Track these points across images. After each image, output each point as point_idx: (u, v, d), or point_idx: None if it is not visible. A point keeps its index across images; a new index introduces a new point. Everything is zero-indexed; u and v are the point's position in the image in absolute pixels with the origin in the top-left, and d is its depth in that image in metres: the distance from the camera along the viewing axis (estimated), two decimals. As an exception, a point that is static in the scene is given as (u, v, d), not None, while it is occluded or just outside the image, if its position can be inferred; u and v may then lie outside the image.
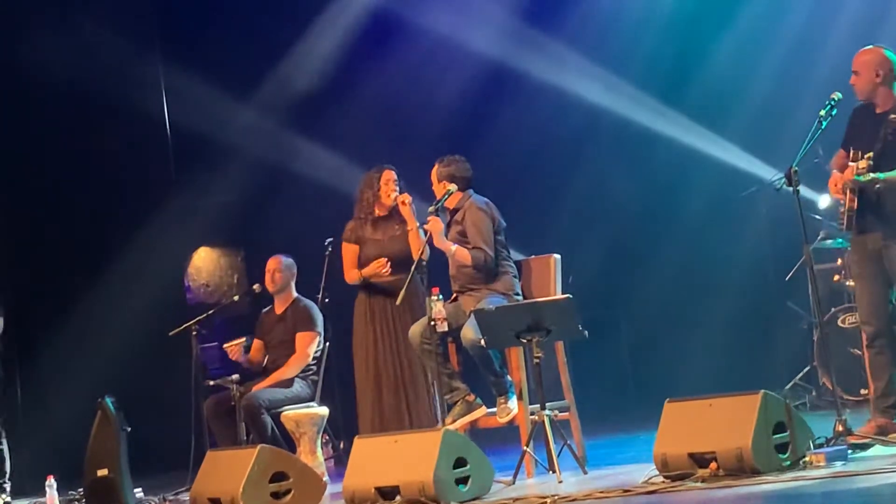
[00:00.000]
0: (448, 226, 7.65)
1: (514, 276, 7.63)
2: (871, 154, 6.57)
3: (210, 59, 11.89)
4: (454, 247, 7.52)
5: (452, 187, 7.60)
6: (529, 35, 11.36)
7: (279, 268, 8.86)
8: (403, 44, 11.71)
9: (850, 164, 6.71)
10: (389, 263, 8.11)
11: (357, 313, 8.26)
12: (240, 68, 11.96)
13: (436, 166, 7.74)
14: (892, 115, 6.70)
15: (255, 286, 9.01)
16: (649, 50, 11.18)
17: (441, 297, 7.25)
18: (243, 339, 8.79)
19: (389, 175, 8.21)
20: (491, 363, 7.32)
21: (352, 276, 8.26)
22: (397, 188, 8.18)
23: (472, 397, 7.49)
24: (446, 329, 7.30)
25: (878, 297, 6.83)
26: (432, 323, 7.23)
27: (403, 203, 8.05)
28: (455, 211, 7.68)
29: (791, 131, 9.10)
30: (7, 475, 8.81)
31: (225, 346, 8.81)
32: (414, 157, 8.63)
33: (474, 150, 7.89)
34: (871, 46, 6.89)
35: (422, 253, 7.55)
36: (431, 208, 7.50)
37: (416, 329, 7.54)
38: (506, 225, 7.68)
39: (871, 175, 6.56)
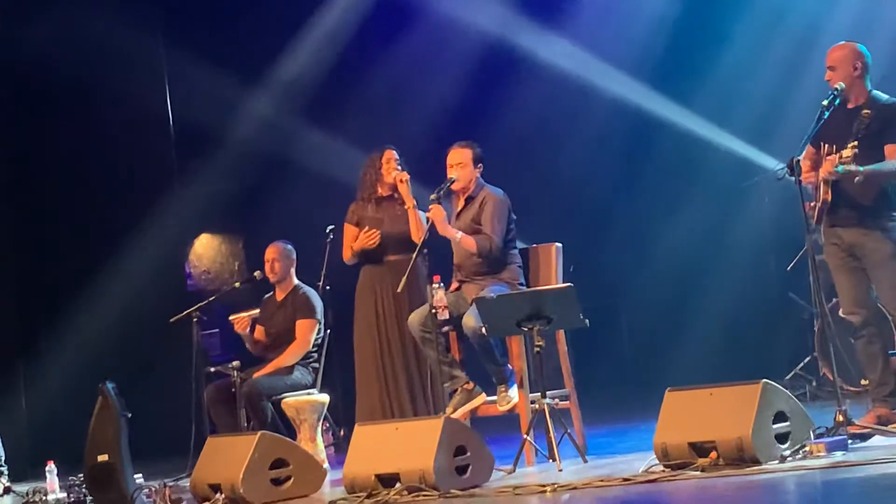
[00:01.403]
0: (460, 212, 7.63)
1: (520, 267, 7.63)
2: (855, 143, 6.46)
3: (213, 47, 11.86)
4: (459, 234, 7.51)
5: (455, 175, 7.58)
6: (532, 20, 11.34)
7: (277, 257, 8.83)
8: (404, 31, 11.69)
9: (827, 158, 6.62)
10: (391, 242, 8.11)
11: (359, 293, 8.25)
12: (242, 56, 11.94)
13: (463, 150, 7.60)
14: (865, 111, 6.61)
15: (256, 273, 8.99)
16: (653, 40, 11.16)
17: (442, 284, 7.24)
18: (255, 310, 8.77)
19: (391, 154, 8.22)
20: (492, 351, 7.31)
21: (348, 255, 8.28)
22: (399, 167, 8.18)
23: (471, 385, 7.49)
24: (447, 317, 7.29)
25: (860, 287, 6.81)
26: (433, 311, 7.22)
27: (401, 181, 8.06)
28: (470, 198, 7.64)
29: (793, 121, 9.10)
30: (1, 459, 8.80)
31: (231, 317, 8.78)
32: (415, 144, 8.61)
33: (475, 137, 7.86)
34: (843, 42, 6.85)
35: (423, 238, 7.54)
36: (433, 196, 7.48)
37: (414, 318, 7.53)
38: (515, 217, 7.67)
39: (853, 167, 6.49)
